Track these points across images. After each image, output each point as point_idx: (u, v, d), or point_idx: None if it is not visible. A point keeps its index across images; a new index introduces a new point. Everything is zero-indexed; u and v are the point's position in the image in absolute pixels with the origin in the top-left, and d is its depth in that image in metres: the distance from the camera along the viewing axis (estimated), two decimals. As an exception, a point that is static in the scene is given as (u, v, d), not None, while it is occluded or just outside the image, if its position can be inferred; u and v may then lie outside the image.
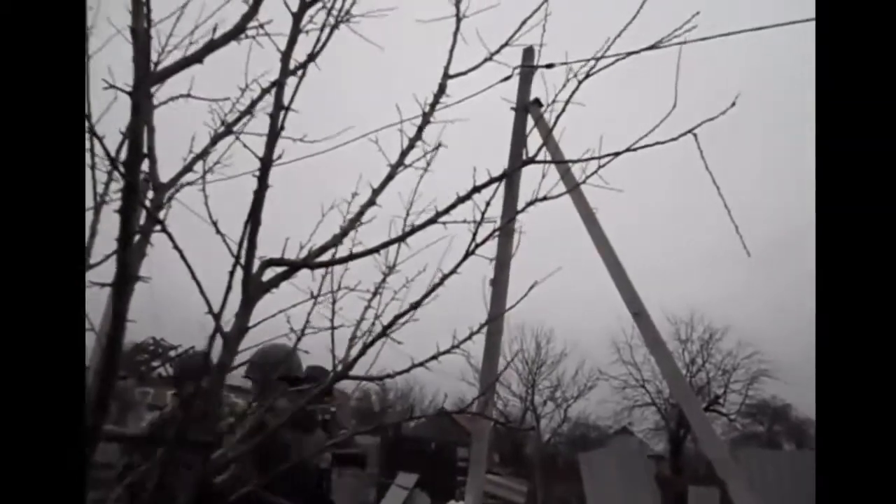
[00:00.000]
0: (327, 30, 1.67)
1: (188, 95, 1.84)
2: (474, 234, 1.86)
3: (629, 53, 2.17)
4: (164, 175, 1.91)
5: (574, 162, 2.01)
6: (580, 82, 1.91)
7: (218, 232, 1.62)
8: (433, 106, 1.91)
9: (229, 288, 1.54)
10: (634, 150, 1.92)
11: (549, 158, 2.05)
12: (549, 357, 38.89)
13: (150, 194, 1.83)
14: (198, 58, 1.55)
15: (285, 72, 1.57)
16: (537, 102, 5.47)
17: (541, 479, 28.26)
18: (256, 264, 1.62)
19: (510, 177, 5.18)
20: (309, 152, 2.08)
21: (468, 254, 1.86)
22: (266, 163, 1.57)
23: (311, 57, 1.64)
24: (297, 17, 1.57)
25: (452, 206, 1.83)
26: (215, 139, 1.77)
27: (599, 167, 1.96)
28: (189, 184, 1.96)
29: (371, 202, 1.88)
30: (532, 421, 37.19)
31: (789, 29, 3.96)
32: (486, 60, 2.02)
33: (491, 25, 2.08)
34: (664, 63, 2.40)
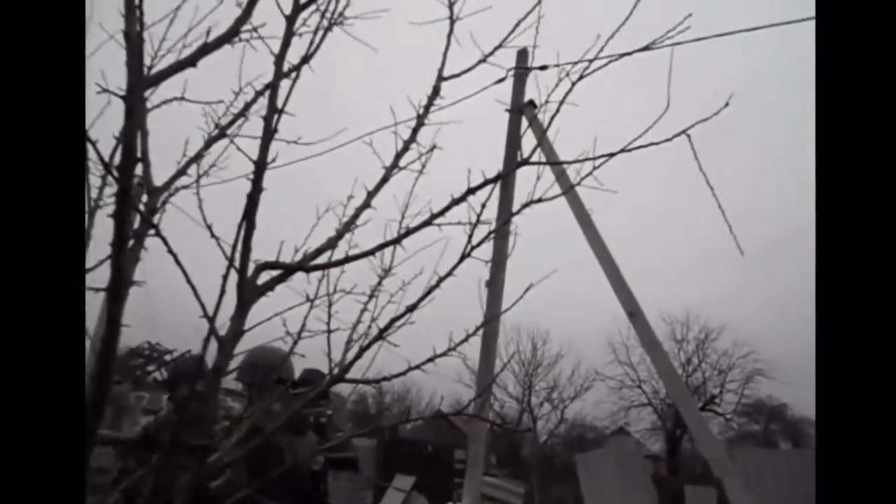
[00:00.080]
0: (321, 32, 1.67)
1: (182, 98, 1.84)
2: (470, 237, 1.86)
3: (622, 55, 2.17)
4: (159, 179, 1.91)
5: (569, 163, 2.01)
6: (573, 84, 1.91)
7: (213, 235, 1.62)
8: (427, 108, 1.91)
9: (223, 292, 1.53)
10: (629, 151, 1.92)
11: (543, 160, 2.05)
12: (545, 358, 38.96)
13: (145, 198, 1.83)
14: (191, 61, 1.55)
15: (279, 74, 1.57)
16: (531, 104, 5.49)
17: (538, 480, 28.28)
18: (251, 268, 1.61)
19: (505, 178, 5.19)
20: (303, 155, 2.08)
21: (464, 256, 1.86)
22: (260, 166, 1.56)
23: (305, 59, 1.64)
24: (291, 19, 1.57)
25: (447, 209, 1.83)
26: (209, 142, 1.77)
27: (594, 168, 1.96)
28: (184, 187, 1.96)
29: (366, 205, 1.88)
30: (529, 422, 37.21)
31: (788, 28, 3.98)
32: (480, 62, 2.02)
33: (485, 27, 2.09)
34: (660, 63, 2.41)
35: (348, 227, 1.86)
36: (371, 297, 2.02)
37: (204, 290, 1.58)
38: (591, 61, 1.94)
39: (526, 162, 1.95)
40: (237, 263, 1.56)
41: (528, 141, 2.27)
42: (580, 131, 2.17)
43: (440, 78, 1.94)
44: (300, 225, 1.92)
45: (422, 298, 1.87)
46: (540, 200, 1.94)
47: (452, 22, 1.95)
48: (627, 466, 11.61)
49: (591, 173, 1.96)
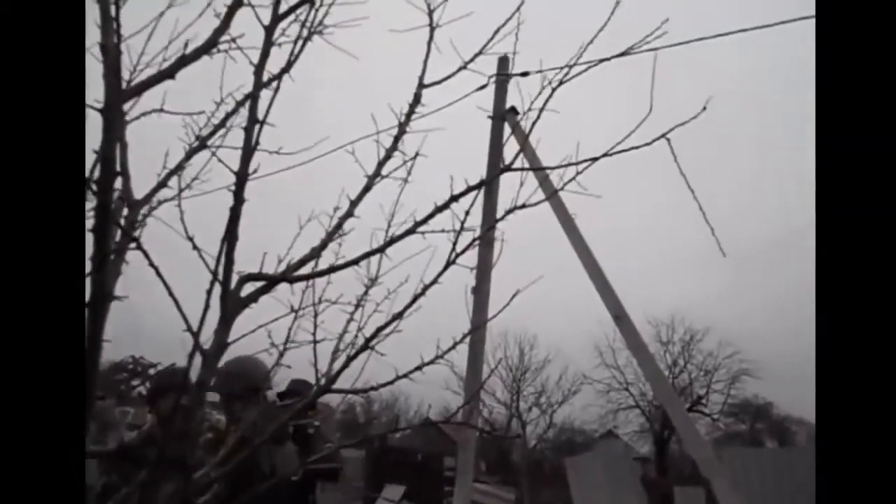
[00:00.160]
0: (300, 42, 1.67)
1: (161, 110, 1.83)
2: (454, 244, 1.86)
3: (601, 60, 2.19)
4: (139, 191, 1.89)
5: (552, 169, 2.02)
6: (553, 90, 1.93)
7: (195, 248, 1.60)
8: (409, 116, 1.91)
9: (207, 305, 1.52)
10: (610, 155, 1.93)
11: (526, 166, 2.05)
12: (532, 363, 39.03)
13: (125, 212, 1.81)
14: (170, 73, 1.54)
15: (258, 85, 1.56)
16: (513, 110, 5.51)
17: (528, 485, 28.28)
18: (234, 280, 1.60)
19: (489, 185, 5.20)
20: (286, 164, 2.07)
21: (448, 263, 1.86)
22: (241, 177, 1.56)
23: (285, 69, 1.64)
24: (269, 30, 1.57)
25: (430, 216, 1.83)
26: (189, 154, 1.75)
27: (577, 173, 1.97)
28: (166, 200, 1.94)
29: (349, 214, 1.87)
30: (518, 427, 37.22)
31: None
32: (460, 69, 2.03)
33: (465, 35, 2.09)
34: (642, 67, 2.43)
35: (332, 236, 1.85)
36: (357, 306, 2.01)
37: (189, 302, 1.57)
38: (570, 67, 1.96)
39: (508, 168, 1.96)
40: (220, 276, 1.55)
41: (512, 147, 2.28)
42: (566, 136, 2.18)
43: (421, 85, 1.94)
44: (284, 236, 1.91)
45: (407, 307, 1.86)
46: (524, 206, 1.95)
47: (432, 29, 1.95)
48: (616, 469, 11.64)
49: (574, 178, 1.97)
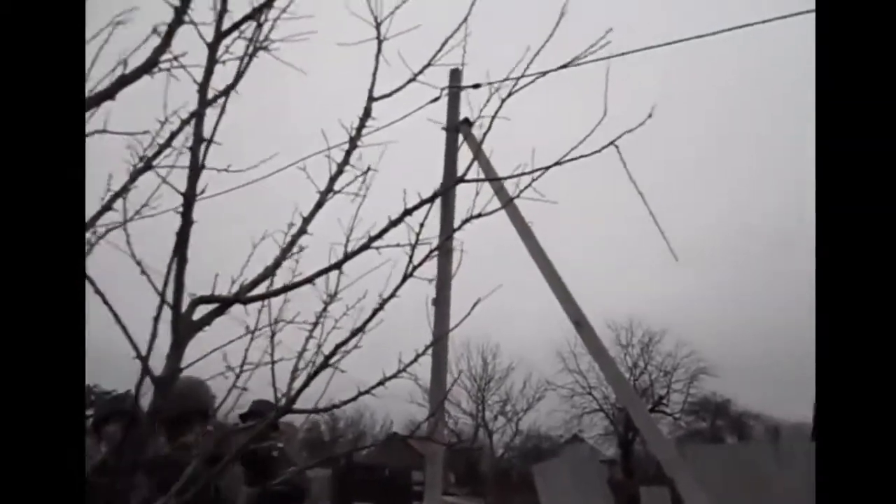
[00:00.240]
0: (247, 58, 1.64)
1: (104, 131, 1.77)
2: (410, 257, 1.85)
3: (547, 72, 2.22)
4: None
5: (505, 179, 2.03)
6: (503, 101, 1.94)
7: (143, 272, 1.56)
8: (359, 130, 1.89)
9: (155, 330, 1.48)
10: (562, 163, 1.95)
11: (482, 176, 2.06)
12: (496, 372, 39.27)
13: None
14: (108, 94, 1.49)
15: (203, 103, 1.53)
16: (467, 122, 5.56)
17: (496, 495, 28.26)
18: (186, 303, 1.56)
19: (445, 196, 5.21)
20: (237, 183, 2.03)
21: (406, 276, 1.84)
22: (189, 198, 1.52)
23: (231, 86, 1.61)
24: (213, 47, 1.54)
25: (385, 231, 1.82)
26: (134, 175, 1.70)
27: (532, 181, 1.98)
28: (113, 227, 1.87)
29: (302, 231, 1.85)
30: (484, 437, 37.28)
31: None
32: (409, 81, 2.02)
33: (415, 48, 2.09)
34: (598, 75, 2.47)
35: (285, 255, 1.81)
36: (316, 324, 1.98)
37: (141, 328, 1.52)
38: (517, 79, 1.98)
39: (462, 179, 1.96)
40: (170, 299, 1.50)
41: (468, 158, 2.28)
42: (524, 145, 2.20)
43: (370, 99, 1.93)
44: (237, 256, 1.87)
45: (367, 322, 1.84)
46: (479, 216, 1.95)
47: (380, 42, 1.95)
48: (583, 473, 11.74)
49: (529, 185, 1.98)
